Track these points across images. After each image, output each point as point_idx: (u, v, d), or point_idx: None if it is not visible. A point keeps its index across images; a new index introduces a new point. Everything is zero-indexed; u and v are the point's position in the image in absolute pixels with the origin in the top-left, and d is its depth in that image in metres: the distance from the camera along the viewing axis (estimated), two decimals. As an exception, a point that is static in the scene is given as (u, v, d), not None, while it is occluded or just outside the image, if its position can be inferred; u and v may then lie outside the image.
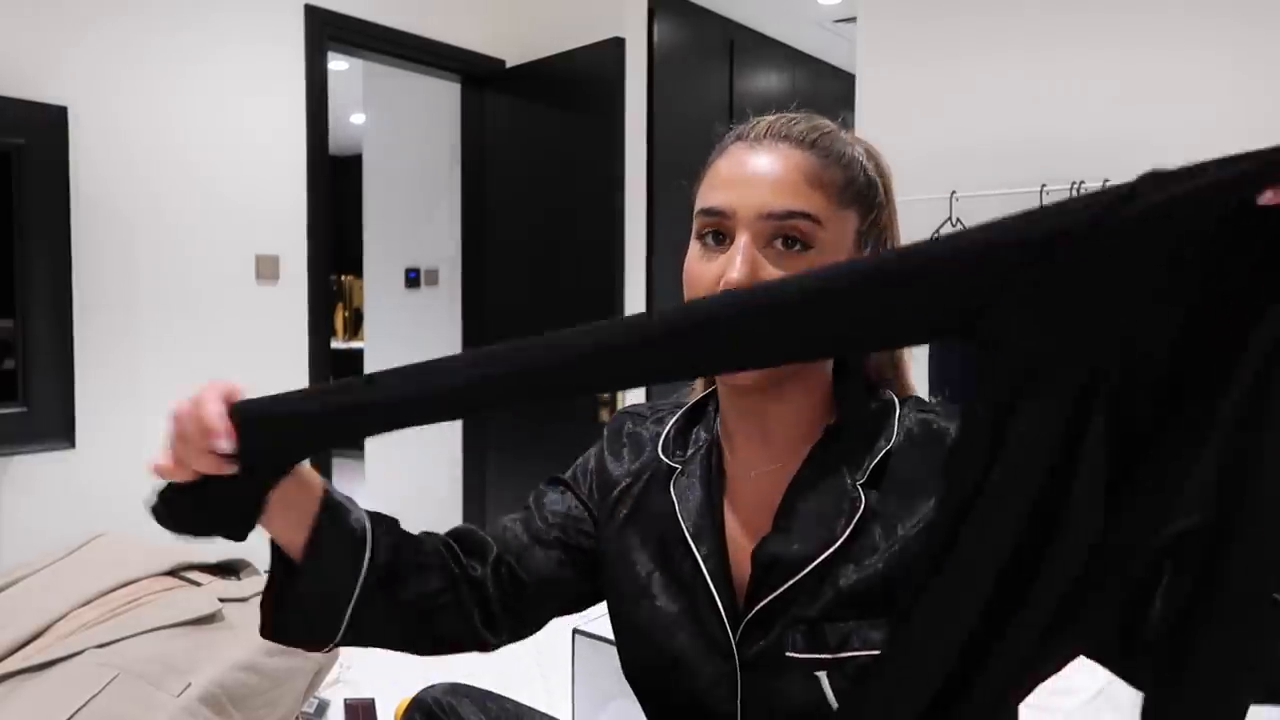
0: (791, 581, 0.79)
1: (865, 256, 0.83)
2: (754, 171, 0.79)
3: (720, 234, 0.80)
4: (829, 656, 0.77)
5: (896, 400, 0.86)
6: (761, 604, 0.80)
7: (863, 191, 0.82)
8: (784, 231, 0.77)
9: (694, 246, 0.82)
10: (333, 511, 0.80)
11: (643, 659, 0.91)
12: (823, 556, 0.79)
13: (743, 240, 0.77)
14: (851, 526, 0.79)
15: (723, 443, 0.91)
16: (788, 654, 0.79)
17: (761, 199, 0.77)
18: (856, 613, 0.78)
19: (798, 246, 0.77)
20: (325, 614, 0.80)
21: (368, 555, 0.81)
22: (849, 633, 0.77)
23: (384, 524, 0.85)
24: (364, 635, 0.82)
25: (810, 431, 0.86)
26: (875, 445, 0.82)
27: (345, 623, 0.80)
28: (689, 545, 0.86)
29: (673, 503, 0.89)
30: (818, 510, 0.81)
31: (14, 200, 2.31)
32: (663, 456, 0.93)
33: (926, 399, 0.90)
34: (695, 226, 0.82)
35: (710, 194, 0.81)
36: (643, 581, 0.90)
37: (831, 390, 0.87)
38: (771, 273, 0.77)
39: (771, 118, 0.83)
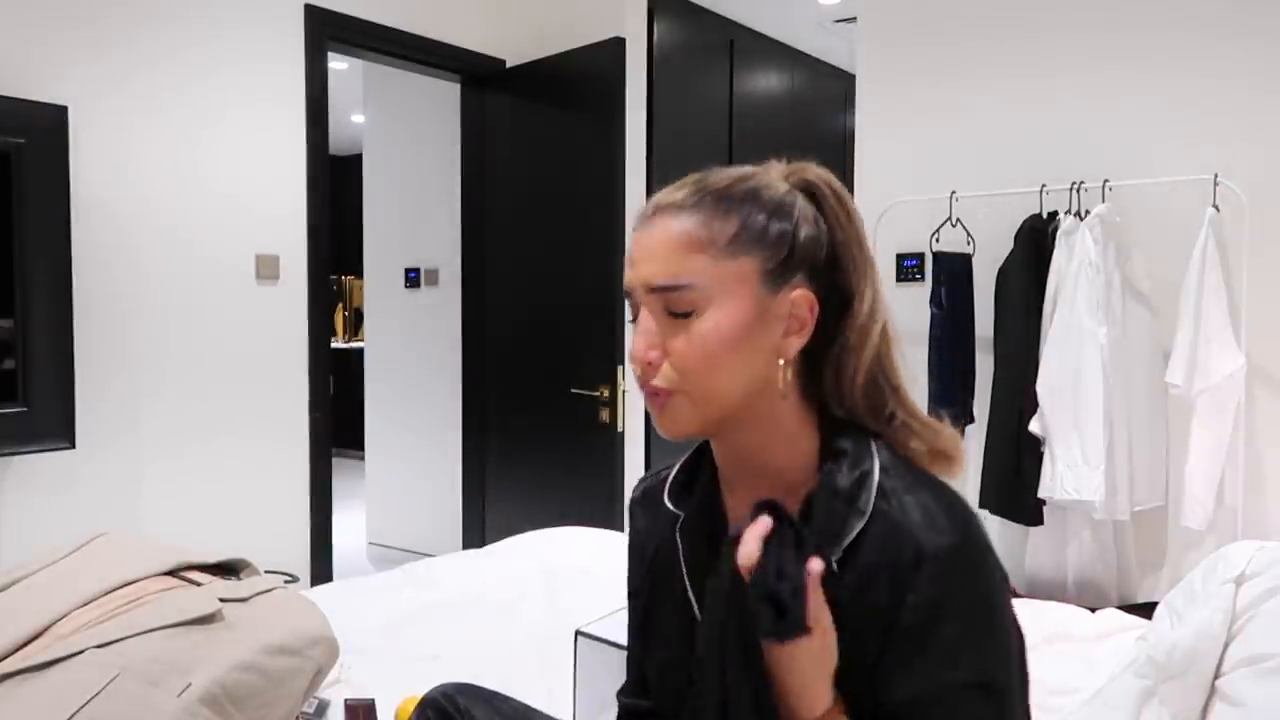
0: None
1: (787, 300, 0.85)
2: (640, 249, 0.86)
3: (636, 311, 0.86)
4: None
5: (877, 467, 0.84)
6: None
7: (760, 232, 0.83)
8: (669, 303, 0.83)
9: None
10: None
11: (655, 697, 0.95)
12: None
13: (643, 314, 0.85)
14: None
15: (722, 486, 0.93)
16: None
17: (646, 274, 0.84)
18: None
19: (686, 314, 0.83)
20: None
21: None
22: None
23: None
24: None
25: (798, 479, 0.86)
26: (850, 520, 0.82)
27: None
28: (688, 592, 0.90)
29: (678, 548, 0.93)
30: None
31: (14, 200, 2.31)
32: (668, 503, 0.96)
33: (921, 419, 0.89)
34: None
35: (626, 273, 0.88)
36: (654, 625, 0.96)
37: (817, 434, 0.87)
38: (670, 335, 0.83)
39: (664, 190, 0.88)
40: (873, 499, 0.82)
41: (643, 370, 0.84)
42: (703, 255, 0.82)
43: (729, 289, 0.82)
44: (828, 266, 0.86)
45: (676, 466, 0.99)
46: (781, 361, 0.84)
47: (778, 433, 0.87)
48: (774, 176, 0.88)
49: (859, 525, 0.81)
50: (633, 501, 1.05)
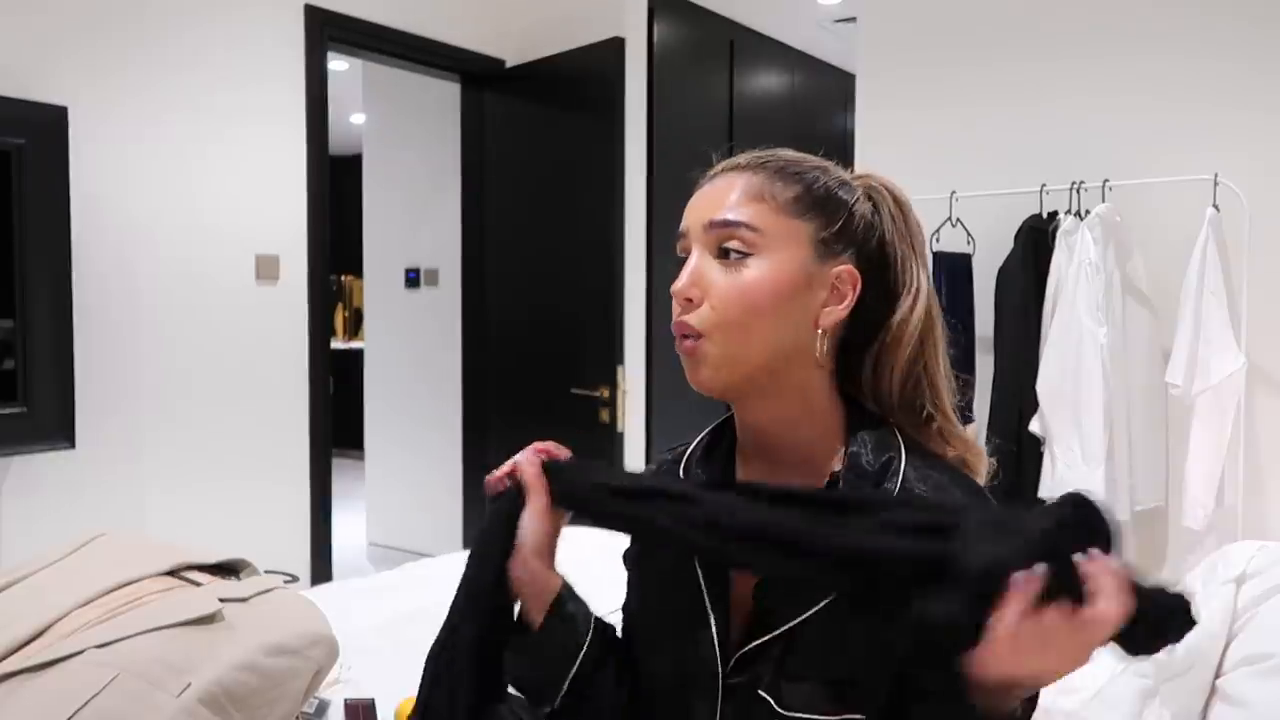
0: (775, 633, 0.82)
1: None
2: (704, 196, 0.89)
3: (686, 256, 0.88)
4: (793, 715, 0.80)
5: (903, 452, 0.85)
6: (750, 646, 0.84)
7: (819, 201, 0.86)
8: (725, 239, 0.85)
9: None
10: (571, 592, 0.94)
11: (645, 675, 0.94)
12: (807, 614, 0.81)
13: (694, 253, 0.87)
14: None
15: (738, 467, 0.93)
16: (759, 692, 0.82)
17: (705, 213, 0.87)
18: (823, 674, 0.80)
19: (737, 255, 0.84)
20: (553, 669, 0.89)
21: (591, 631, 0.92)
22: (811, 693, 0.80)
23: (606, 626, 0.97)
24: (585, 702, 0.89)
25: (820, 460, 0.87)
26: None
27: (566, 685, 0.88)
28: (696, 573, 0.89)
29: None
30: None
31: (14, 200, 2.31)
32: (682, 478, 0.96)
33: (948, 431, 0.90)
34: None
35: (681, 223, 0.91)
36: (653, 603, 0.95)
37: (843, 419, 0.89)
38: (715, 277, 0.85)
39: (729, 158, 0.92)
40: (899, 481, 0.83)
41: (681, 306, 0.85)
42: (763, 205, 0.85)
43: (782, 244, 0.84)
44: (878, 260, 0.89)
45: (695, 442, 0.99)
46: (821, 330, 0.86)
47: (807, 408, 0.88)
48: (836, 167, 0.92)
49: None
50: (648, 474, 1.04)
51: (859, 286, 0.87)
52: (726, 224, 0.84)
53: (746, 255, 0.84)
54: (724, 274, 0.84)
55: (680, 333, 0.85)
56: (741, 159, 0.89)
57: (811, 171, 0.88)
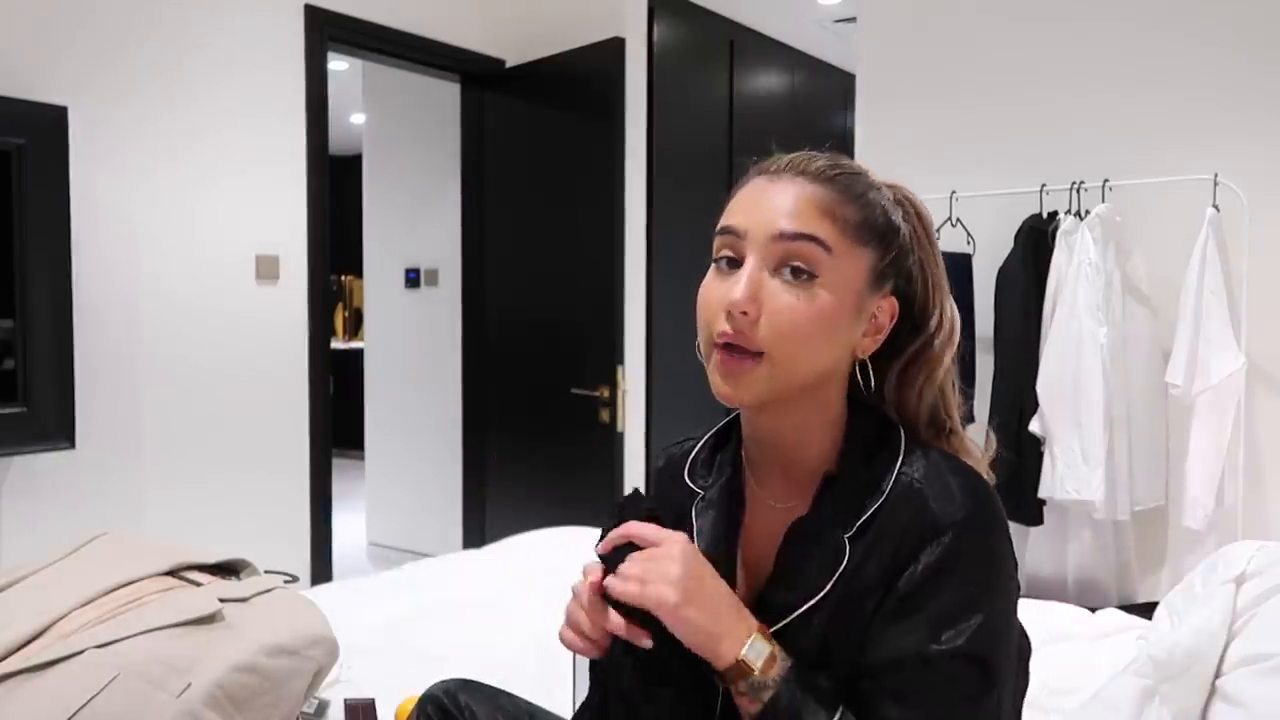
0: (776, 627, 0.83)
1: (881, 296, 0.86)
2: (769, 197, 0.83)
3: (734, 260, 0.83)
4: None
5: (902, 450, 0.85)
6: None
7: (880, 230, 0.85)
8: (791, 256, 0.80)
9: (710, 270, 0.86)
10: None
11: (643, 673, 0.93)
12: (803, 608, 0.82)
13: (751, 262, 0.81)
14: (832, 583, 0.81)
15: (745, 470, 0.93)
16: None
17: (772, 220, 0.81)
18: (824, 664, 0.81)
19: (804, 276, 0.80)
20: None
21: None
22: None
23: None
24: None
25: (828, 455, 0.88)
26: (868, 499, 0.83)
27: None
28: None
29: (694, 529, 0.93)
30: (810, 561, 0.84)
31: (14, 200, 2.31)
32: (688, 481, 0.96)
33: (957, 432, 0.91)
34: (714, 249, 0.86)
35: (728, 216, 0.85)
36: None
37: (848, 419, 0.89)
38: (777, 297, 0.80)
39: (795, 154, 0.87)
40: (893, 479, 0.83)
41: (736, 320, 0.80)
42: (834, 225, 0.82)
43: (844, 269, 0.82)
44: (909, 285, 0.89)
45: (700, 441, 0.99)
46: (867, 359, 0.86)
47: (821, 419, 0.88)
48: (874, 178, 0.90)
49: (875, 504, 0.82)
50: (656, 470, 1.04)
51: (895, 318, 0.87)
52: (799, 236, 0.80)
53: (812, 276, 0.80)
54: (787, 292, 0.80)
55: (731, 342, 0.80)
56: (809, 165, 0.84)
57: (871, 193, 0.85)
